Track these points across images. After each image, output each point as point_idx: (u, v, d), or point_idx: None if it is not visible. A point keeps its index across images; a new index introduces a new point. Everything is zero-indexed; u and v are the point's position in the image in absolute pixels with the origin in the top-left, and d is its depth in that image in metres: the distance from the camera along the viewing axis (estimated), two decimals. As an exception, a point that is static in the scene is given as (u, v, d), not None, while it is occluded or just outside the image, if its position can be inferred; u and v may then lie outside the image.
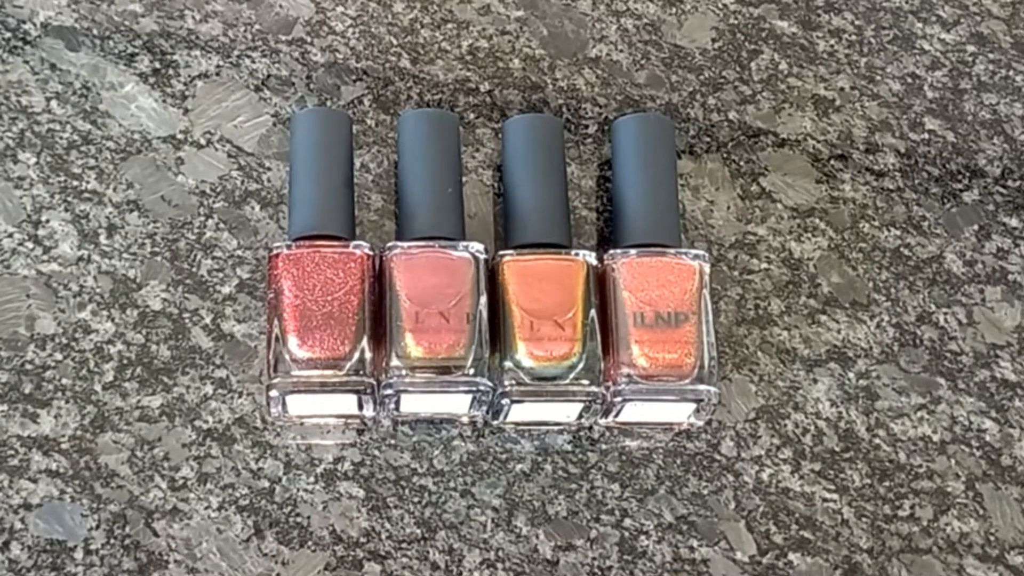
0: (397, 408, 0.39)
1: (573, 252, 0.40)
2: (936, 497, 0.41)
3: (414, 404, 0.39)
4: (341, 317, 0.38)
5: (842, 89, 0.47)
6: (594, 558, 0.39)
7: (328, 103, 0.45)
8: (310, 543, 0.39)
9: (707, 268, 0.40)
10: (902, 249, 0.44)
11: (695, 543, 0.40)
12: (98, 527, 0.39)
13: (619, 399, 0.39)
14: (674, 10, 0.48)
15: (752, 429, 0.41)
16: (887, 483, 0.41)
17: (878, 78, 0.47)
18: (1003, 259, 0.44)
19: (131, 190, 0.43)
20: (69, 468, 0.39)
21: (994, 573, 0.40)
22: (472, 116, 0.45)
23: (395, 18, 0.47)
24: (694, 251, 0.40)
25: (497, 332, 0.39)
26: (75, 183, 0.43)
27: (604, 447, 0.41)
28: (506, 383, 0.39)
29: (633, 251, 0.40)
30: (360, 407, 0.39)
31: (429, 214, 0.40)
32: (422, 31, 0.46)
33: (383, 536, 0.39)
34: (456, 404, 0.39)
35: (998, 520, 0.41)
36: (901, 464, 0.41)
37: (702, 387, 0.39)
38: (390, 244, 0.40)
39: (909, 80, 0.47)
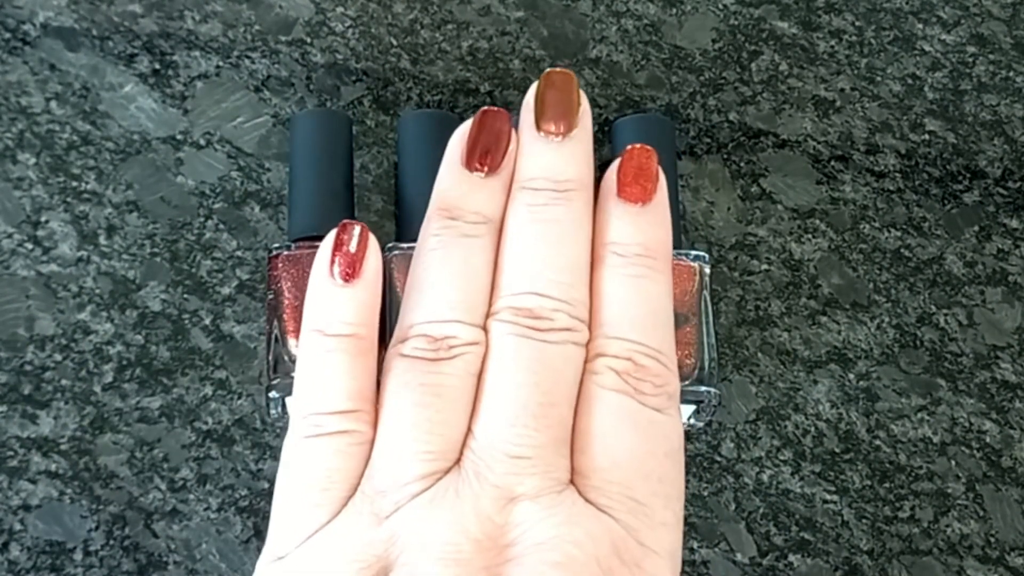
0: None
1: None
2: (936, 498, 0.41)
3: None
4: (341, 318, 0.38)
5: (842, 90, 0.47)
6: (594, 559, 0.39)
7: (328, 104, 0.45)
8: (310, 544, 0.39)
9: (707, 269, 0.40)
10: (902, 250, 0.44)
11: (695, 544, 0.40)
12: (97, 528, 0.39)
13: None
14: (674, 11, 0.47)
15: (752, 430, 0.41)
16: (887, 484, 0.41)
17: (878, 79, 0.47)
18: (1003, 260, 0.44)
19: (130, 191, 0.43)
20: (68, 469, 0.39)
21: (994, 575, 0.40)
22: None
23: (395, 19, 0.47)
24: (694, 252, 0.40)
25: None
26: (74, 184, 0.43)
27: (604, 448, 0.41)
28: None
29: (633, 252, 0.40)
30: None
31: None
32: (422, 32, 0.46)
33: (383, 537, 0.39)
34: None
35: (998, 522, 0.41)
36: (901, 465, 0.41)
37: (702, 388, 0.39)
38: (390, 245, 0.40)
39: (909, 81, 0.47)
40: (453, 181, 0.33)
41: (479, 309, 0.32)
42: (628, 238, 0.33)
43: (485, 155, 0.33)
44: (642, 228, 0.33)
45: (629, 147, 0.33)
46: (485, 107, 0.34)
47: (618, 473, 0.30)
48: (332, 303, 0.32)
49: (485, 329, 0.31)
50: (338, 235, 0.32)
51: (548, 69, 0.34)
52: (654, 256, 0.33)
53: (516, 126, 0.34)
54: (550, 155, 0.33)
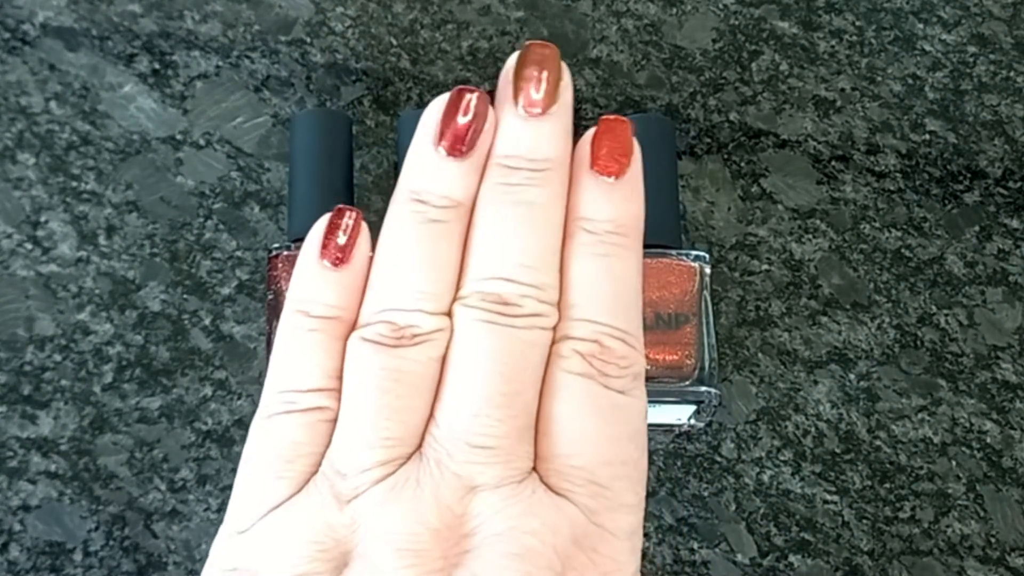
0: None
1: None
2: (937, 499, 0.41)
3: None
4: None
5: (843, 90, 0.47)
6: (594, 560, 0.39)
7: (328, 104, 0.45)
8: (310, 545, 0.39)
9: (708, 269, 0.40)
10: (903, 250, 0.44)
11: (695, 545, 0.40)
12: (97, 529, 0.38)
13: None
14: (675, 11, 0.47)
15: (753, 431, 0.41)
16: (888, 485, 0.41)
17: (879, 79, 0.47)
18: (1004, 260, 0.44)
19: (130, 191, 0.43)
20: (68, 469, 0.39)
21: (995, 575, 0.40)
22: (472, 117, 0.45)
23: (395, 19, 0.47)
24: (695, 252, 0.40)
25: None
26: (74, 184, 0.43)
27: (604, 449, 0.41)
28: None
29: (633, 252, 0.40)
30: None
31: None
32: (422, 32, 0.46)
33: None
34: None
35: (999, 522, 0.41)
36: (902, 466, 0.41)
37: (703, 388, 0.39)
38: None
39: (910, 81, 0.47)
40: (423, 163, 0.32)
41: (445, 296, 0.31)
42: (599, 214, 0.32)
43: (458, 136, 0.32)
44: (614, 203, 0.32)
45: (603, 117, 0.33)
46: (460, 85, 0.32)
47: (581, 458, 0.30)
48: (319, 285, 0.32)
49: (451, 313, 0.31)
50: (332, 219, 0.32)
51: (529, 41, 0.32)
52: (625, 233, 0.32)
53: (492, 102, 0.33)
54: (528, 132, 0.32)
